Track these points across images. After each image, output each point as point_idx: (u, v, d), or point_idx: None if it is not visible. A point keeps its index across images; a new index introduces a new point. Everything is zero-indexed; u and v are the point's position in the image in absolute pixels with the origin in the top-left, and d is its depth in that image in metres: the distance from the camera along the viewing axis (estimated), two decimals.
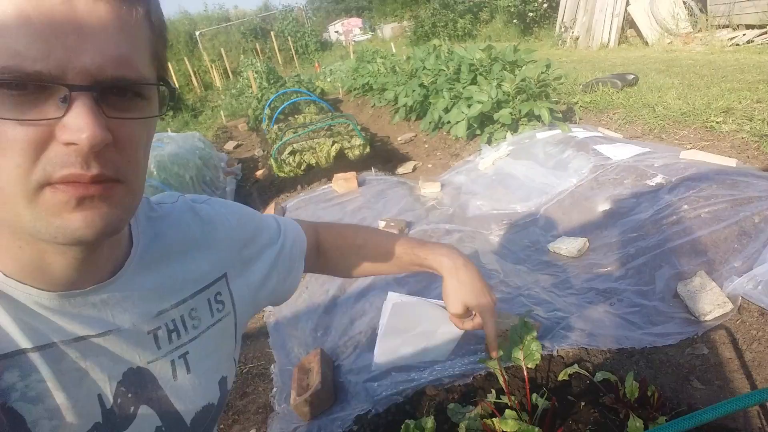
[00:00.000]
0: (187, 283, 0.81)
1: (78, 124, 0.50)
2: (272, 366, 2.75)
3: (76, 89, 0.50)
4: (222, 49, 22.70)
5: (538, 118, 4.63)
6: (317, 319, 2.90)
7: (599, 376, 1.78)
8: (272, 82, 11.87)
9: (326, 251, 1.14)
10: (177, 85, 18.36)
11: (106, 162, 0.53)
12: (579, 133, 4.31)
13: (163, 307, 0.76)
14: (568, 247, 3.08)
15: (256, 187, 5.77)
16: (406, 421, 1.57)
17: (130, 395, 0.69)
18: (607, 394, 1.81)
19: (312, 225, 1.14)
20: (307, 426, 2.20)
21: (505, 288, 2.72)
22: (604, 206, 3.30)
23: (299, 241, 1.06)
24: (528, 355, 1.69)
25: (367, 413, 2.07)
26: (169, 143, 6.27)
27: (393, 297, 1.14)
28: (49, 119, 0.50)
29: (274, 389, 2.57)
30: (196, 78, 20.68)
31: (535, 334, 1.69)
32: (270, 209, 4.52)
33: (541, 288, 2.77)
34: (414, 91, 6.53)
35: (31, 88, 0.49)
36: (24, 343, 0.59)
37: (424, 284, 2.84)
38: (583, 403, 1.82)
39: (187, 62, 21.02)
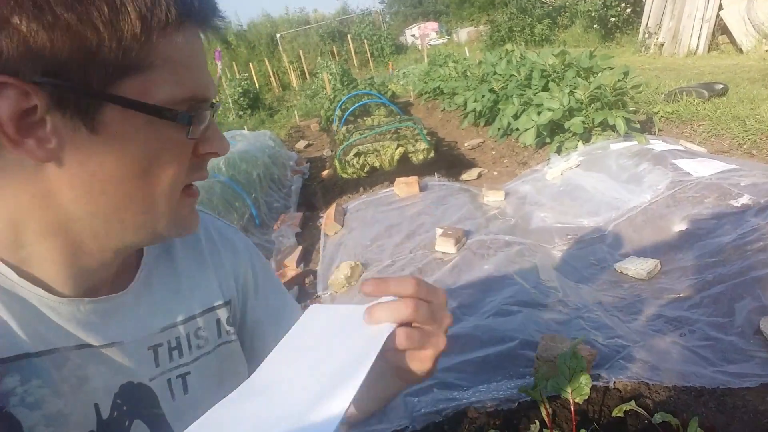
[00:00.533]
0: (195, 301, 0.78)
1: (218, 138, 0.64)
2: None
3: (215, 110, 0.64)
4: (300, 51, 23.28)
5: (613, 128, 4.36)
6: None
7: (658, 417, 1.61)
8: (345, 83, 12.02)
9: None
10: (258, 84, 19.04)
11: None
12: (657, 145, 4.02)
13: (169, 323, 0.74)
14: (636, 268, 2.86)
15: (320, 187, 5.82)
16: None
17: (125, 408, 0.68)
18: None
19: None
20: None
21: (563, 308, 2.55)
22: (680, 226, 3.04)
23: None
24: (576, 389, 1.56)
25: (404, 430, 1.99)
26: (240, 141, 6.47)
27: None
28: (196, 137, 0.61)
29: None
30: (275, 78, 21.34)
31: (584, 365, 1.55)
32: (331, 210, 4.54)
33: (604, 311, 2.58)
34: (483, 96, 6.37)
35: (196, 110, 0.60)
36: (28, 347, 0.58)
37: (477, 297, 2.73)
38: None
39: (267, 63, 21.74)
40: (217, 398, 0.80)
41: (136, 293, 0.70)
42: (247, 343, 0.89)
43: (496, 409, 1.94)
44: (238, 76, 16.59)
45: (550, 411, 1.58)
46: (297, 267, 3.86)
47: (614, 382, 1.96)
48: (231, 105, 14.90)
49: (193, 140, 0.60)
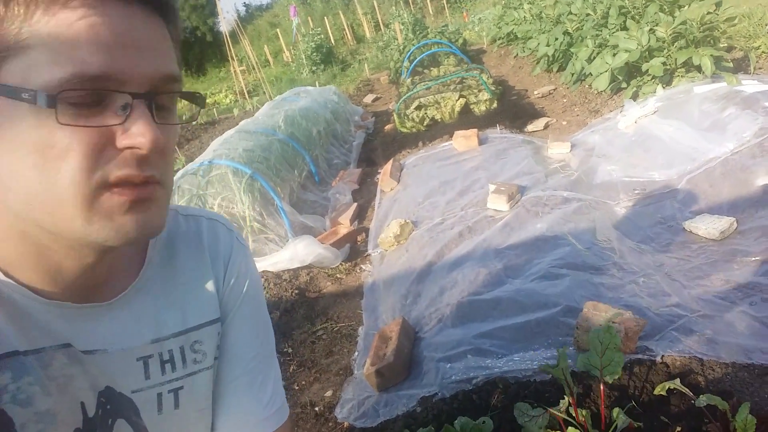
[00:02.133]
0: (192, 313, 0.76)
1: (139, 129, 0.54)
2: (360, 328, 2.73)
3: (137, 97, 0.54)
4: (375, 2, 22.77)
5: (699, 68, 3.90)
6: (409, 285, 2.80)
7: (703, 399, 1.43)
8: (417, 33, 11.65)
9: None
10: (333, 39, 18.94)
11: (154, 165, 0.58)
12: (750, 86, 3.54)
13: (160, 335, 0.72)
14: (708, 227, 2.57)
15: (381, 142, 5.73)
16: (448, 426, 1.41)
17: (109, 407, 0.68)
18: (713, 422, 1.47)
19: None
20: (376, 397, 2.14)
21: (616, 272, 2.35)
22: (765, 179, 2.68)
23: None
24: (607, 367, 1.43)
25: (433, 396, 1.94)
26: (304, 97, 6.48)
27: None
28: (111, 125, 0.54)
29: (357, 353, 2.55)
30: (349, 31, 21.13)
31: (619, 342, 1.40)
32: (388, 166, 4.46)
33: (664, 275, 2.35)
34: (557, 39, 5.91)
35: (92, 96, 0.53)
36: (17, 344, 0.59)
37: (525, 258, 2.58)
38: (678, 429, 1.50)
39: (342, 16, 21.52)
40: (205, 411, 0.80)
41: (127, 302, 0.70)
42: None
43: (528, 380, 1.83)
44: (311, 31, 16.55)
45: (575, 392, 1.46)
46: (351, 224, 3.85)
47: (662, 356, 1.79)
48: (304, 61, 14.96)
49: (93, 130, 0.53)
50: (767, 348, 1.82)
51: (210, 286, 0.78)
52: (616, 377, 1.42)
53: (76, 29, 0.51)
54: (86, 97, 0.52)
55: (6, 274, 0.60)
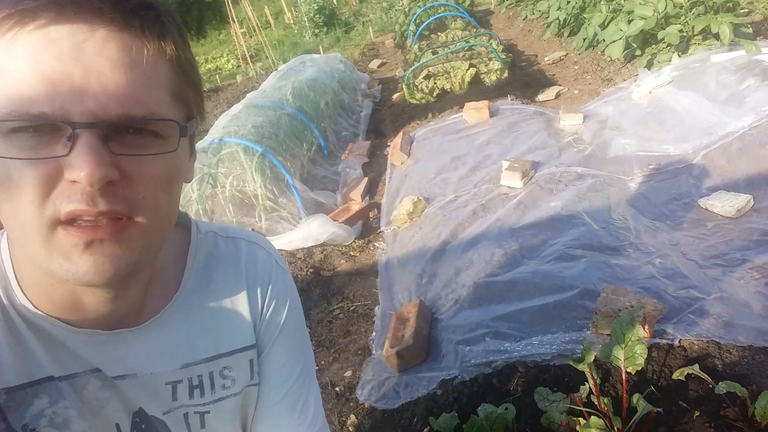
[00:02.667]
0: (225, 339, 0.76)
1: (78, 162, 0.50)
2: (376, 308, 2.77)
3: (78, 127, 0.51)
4: None
5: (717, 36, 3.80)
6: (424, 265, 2.82)
7: (722, 387, 1.47)
8: None
9: None
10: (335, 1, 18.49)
11: (116, 198, 0.53)
12: None
13: (191, 360, 0.73)
14: (724, 204, 2.56)
15: (389, 113, 5.67)
16: (473, 416, 1.46)
17: (143, 426, 0.70)
18: (732, 407, 1.51)
19: None
20: (396, 378, 2.20)
21: (632, 252, 2.37)
22: None
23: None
24: (629, 358, 1.46)
25: (453, 379, 1.99)
26: (311, 66, 6.37)
27: None
28: (56, 157, 0.51)
29: (374, 333, 2.60)
30: None
31: (641, 334, 1.43)
32: (398, 139, 4.43)
33: (680, 254, 2.36)
34: (569, 2, 5.76)
35: (43, 129, 0.51)
36: (53, 371, 0.61)
37: (540, 238, 2.59)
38: (697, 413, 1.54)
39: None
40: None
41: (159, 326, 0.70)
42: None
43: (548, 363, 1.87)
44: None
45: (597, 380, 1.49)
46: (362, 200, 3.86)
47: (679, 340, 1.82)
48: (307, 23, 14.64)
49: (40, 163, 0.51)
50: None
51: (245, 311, 0.77)
52: (639, 368, 1.45)
53: (21, 62, 0.49)
54: (30, 129, 0.50)
55: (35, 305, 0.61)
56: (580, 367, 1.43)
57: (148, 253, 0.60)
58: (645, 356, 1.42)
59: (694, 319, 1.91)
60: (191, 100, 0.62)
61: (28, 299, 0.61)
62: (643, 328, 1.84)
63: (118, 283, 0.59)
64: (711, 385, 1.59)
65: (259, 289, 0.79)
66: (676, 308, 1.99)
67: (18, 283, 0.62)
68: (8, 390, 0.59)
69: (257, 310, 0.79)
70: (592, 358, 1.40)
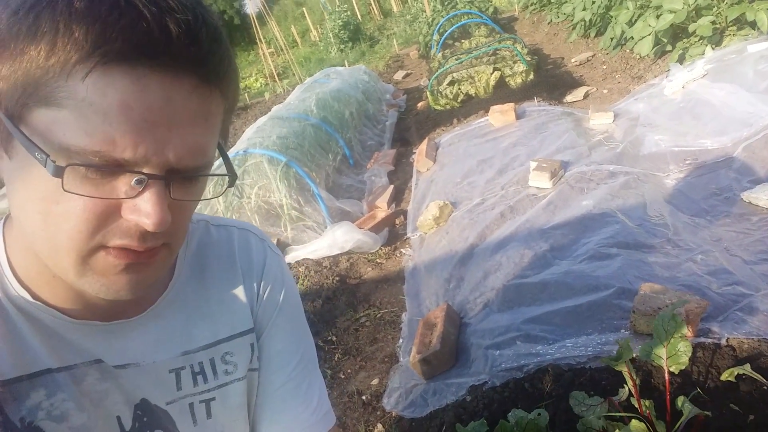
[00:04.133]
0: (223, 325, 0.76)
1: (147, 209, 0.52)
2: (403, 314, 2.70)
3: (153, 177, 0.52)
4: None
5: (753, 25, 3.65)
6: (451, 269, 2.74)
7: None
8: (446, 4, 11.35)
9: None
10: (359, 15, 18.70)
11: (160, 236, 0.56)
12: None
13: (189, 348, 0.72)
14: None
15: (414, 120, 5.63)
16: (502, 422, 1.37)
17: (146, 419, 0.69)
18: None
19: None
20: (424, 386, 2.12)
21: (671, 249, 2.24)
22: None
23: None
24: (672, 356, 1.35)
25: (483, 384, 1.90)
26: (335, 78, 6.41)
27: None
28: (122, 198, 0.52)
29: (401, 339, 2.53)
30: (375, 5, 20.79)
31: (684, 330, 1.32)
32: (423, 145, 4.38)
33: (723, 251, 2.22)
34: (593, 2, 5.65)
35: (112, 168, 0.51)
36: (50, 362, 0.61)
37: (571, 237, 2.49)
38: (751, 417, 1.42)
39: None
40: (242, 418, 0.79)
41: (156, 315, 0.70)
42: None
43: (583, 366, 1.77)
44: (338, 8, 16.35)
45: (637, 382, 1.39)
46: (388, 207, 3.81)
47: (727, 339, 1.69)
48: (332, 40, 14.82)
49: (102, 201, 0.52)
50: None
51: (241, 296, 0.77)
52: (683, 367, 1.34)
53: (110, 103, 0.48)
54: (103, 169, 0.51)
55: (34, 296, 0.61)
56: (618, 366, 1.33)
57: (169, 267, 0.65)
58: (689, 354, 1.32)
59: (743, 316, 1.78)
60: (227, 131, 0.64)
61: (26, 290, 0.60)
62: (687, 327, 1.72)
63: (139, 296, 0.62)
64: (765, 386, 1.47)
65: (254, 274, 0.79)
66: (721, 306, 1.86)
67: (14, 273, 0.61)
68: (4, 383, 0.58)
69: (253, 294, 0.78)
70: (630, 356, 1.30)
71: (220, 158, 0.65)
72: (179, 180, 0.55)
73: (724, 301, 1.88)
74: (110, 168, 0.51)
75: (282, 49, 12.67)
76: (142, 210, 0.52)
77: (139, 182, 0.52)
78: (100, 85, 0.48)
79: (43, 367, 0.60)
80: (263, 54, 12.80)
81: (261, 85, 14.13)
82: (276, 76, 12.44)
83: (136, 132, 0.49)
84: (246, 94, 12.57)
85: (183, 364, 0.72)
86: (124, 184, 0.52)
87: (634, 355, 1.55)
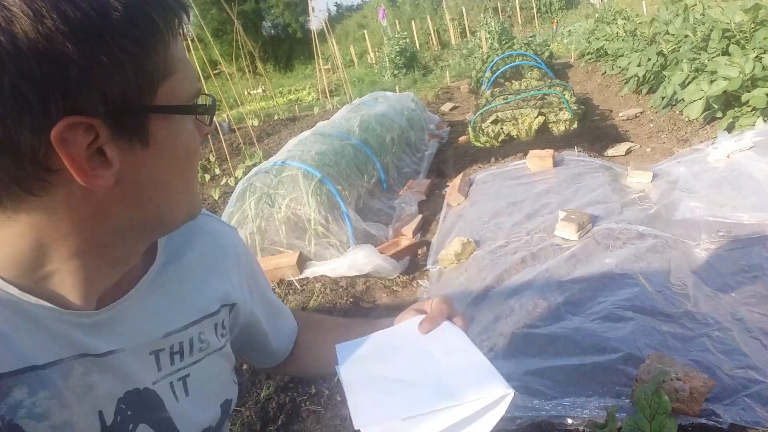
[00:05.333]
0: (197, 306, 0.80)
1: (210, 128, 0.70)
2: None
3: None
4: (463, 8, 22.61)
5: None
6: (464, 308, 2.73)
7: None
8: (503, 43, 11.43)
9: (314, 332, 1.11)
10: (418, 43, 18.99)
11: None
12: None
13: (171, 329, 0.75)
14: None
15: (453, 154, 5.67)
16: None
17: (129, 413, 0.69)
18: None
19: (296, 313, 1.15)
20: None
21: (688, 321, 2.19)
22: None
23: (291, 324, 1.08)
24: None
25: None
26: (382, 102, 6.51)
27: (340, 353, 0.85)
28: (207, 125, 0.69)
29: None
30: (434, 36, 21.10)
31: (668, 406, 1.30)
32: (457, 180, 4.41)
33: (742, 330, 2.16)
34: (649, 60, 5.61)
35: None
36: (35, 359, 0.60)
37: (588, 294, 2.45)
38: None
39: (429, 20, 21.55)
40: (214, 392, 0.84)
41: (137, 300, 0.71)
42: (246, 338, 0.96)
43: (577, 429, 1.74)
44: (397, 35, 16.66)
45: None
46: (413, 236, 3.82)
47: (729, 425, 1.64)
48: (387, 64, 15.08)
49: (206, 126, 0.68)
50: None
51: (216, 276, 0.84)
52: None
53: (183, 50, 0.62)
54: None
55: (25, 288, 0.60)
56: None
57: None
58: (675, 431, 1.29)
59: (750, 403, 1.72)
60: None
61: (12, 284, 0.60)
62: (689, 405, 1.67)
63: None
64: None
65: (225, 253, 0.88)
66: (730, 388, 1.80)
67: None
68: None
69: (228, 271, 0.87)
70: (615, 427, 1.28)
71: None
72: None
73: (733, 384, 1.82)
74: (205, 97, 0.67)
75: (338, 68, 12.97)
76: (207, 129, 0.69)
77: (211, 106, 0.68)
78: (179, 43, 0.61)
79: (28, 364, 0.59)
80: (319, 69, 13.11)
81: (312, 99, 14.47)
82: (328, 93, 12.70)
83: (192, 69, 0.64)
84: (297, 106, 12.89)
85: (164, 345, 0.74)
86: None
87: (619, 425, 1.52)
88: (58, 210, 0.56)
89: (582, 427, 1.73)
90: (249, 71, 15.56)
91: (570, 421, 1.77)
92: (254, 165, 7.12)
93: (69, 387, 0.62)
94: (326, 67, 14.68)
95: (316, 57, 12.69)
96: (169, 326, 0.74)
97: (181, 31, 0.60)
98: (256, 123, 10.42)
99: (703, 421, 1.66)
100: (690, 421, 1.66)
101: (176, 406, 0.75)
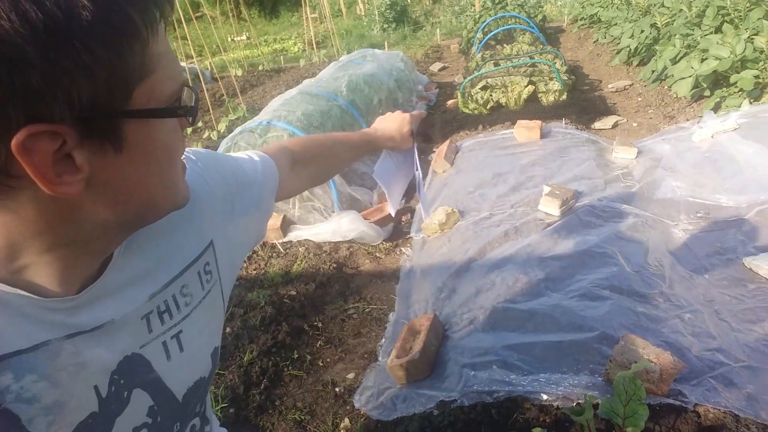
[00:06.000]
0: (176, 260, 0.78)
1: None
2: (391, 314, 2.75)
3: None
4: None
5: None
6: (446, 279, 2.78)
7: None
8: (496, 2, 11.18)
9: (305, 162, 1.15)
10: None
11: None
12: None
13: (153, 290, 0.74)
14: None
15: (440, 119, 5.62)
16: None
17: (123, 381, 0.70)
18: None
19: (281, 146, 1.13)
20: (396, 390, 2.17)
21: (662, 302, 2.26)
22: None
23: (272, 178, 1.02)
24: (630, 418, 1.39)
25: (452, 402, 1.95)
26: (371, 61, 6.37)
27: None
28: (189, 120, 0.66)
29: (384, 339, 2.58)
30: None
31: (643, 393, 1.36)
32: (444, 146, 4.39)
33: (713, 312, 2.24)
34: (642, 31, 5.56)
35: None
36: (19, 344, 0.59)
37: (568, 271, 2.51)
38: None
39: None
40: (205, 342, 0.85)
41: (116, 271, 0.70)
42: (237, 260, 0.96)
43: (550, 404, 1.81)
44: None
45: None
46: None
47: (695, 405, 1.73)
48: (377, 17, 14.68)
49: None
50: None
51: (186, 225, 0.80)
52: (640, 430, 1.38)
53: (167, 43, 0.58)
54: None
55: (2, 279, 0.59)
56: (579, 420, 1.38)
57: None
58: (646, 418, 1.35)
59: (715, 385, 1.81)
60: None
61: None
62: (658, 385, 1.75)
63: None
64: None
65: (193, 198, 0.80)
66: (697, 370, 1.89)
67: None
68: None
69: (200, 213, 0.82)
70: (591, 415, 1.34)
71: None
72: None
73: (701, 366, 1.91)
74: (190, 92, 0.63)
75: (325, 18, 12.58)
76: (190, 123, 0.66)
77: (194, 102, 0.64)
78: (161, 38, 0.56)
79: (11, 350, 0.58)
80: (306, 18, 12.71)
81: (298, 50, 14.07)
82: (315, 44, 12.37)
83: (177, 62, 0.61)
84: (282, 57, 12.56)
85: (151, 307, 0.73)
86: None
87: (599, 401, 1.59)
88: (26, 212, 0.55)
89: (557, 403, 1.80)
90: (233, 16, 15.02)
91: (545, 396, 1.84)
92: (238, 119, 6.98)
93: (59, 367, 0.62)
94: (313, 15, 14.26)
95: (303, 4, 12.31)
96: (151, 288, 0.74)
97: (163, 24, 0.56)
98: (239, 73, 10.13)
99: (671, 401, 1.74)
100: (659, 401, 1.74)
101: (166, 365, 0.76)
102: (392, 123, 1.31)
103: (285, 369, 2.41)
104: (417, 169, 1.40)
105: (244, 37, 16.39)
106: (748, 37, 3.93)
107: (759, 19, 4.18)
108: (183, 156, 0.84)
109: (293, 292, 2.92)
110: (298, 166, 1.11)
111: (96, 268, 0.66)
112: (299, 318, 2.74)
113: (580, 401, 1.79)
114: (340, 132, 1.15)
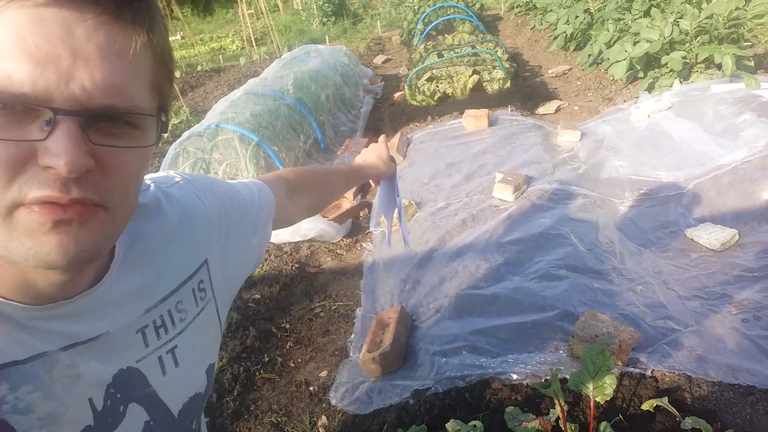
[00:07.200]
0: (171, 276, 0.78)
1: (58, 148, 0.49)
2: (358, 309, 2.78)
3: (61, 113, 0.49)
4: None
5: (719, 66, 3.83)
6: (409, 270, 2.83)
7: (688, 422, 1.50)
8: None
9: (301, 190, 1.16)
10: None
11: (89, 186, 0.53)
12: None
13: (149, 305, 0.74)
14: (710, 237, 2.59)
15: (389, 112, 5.67)
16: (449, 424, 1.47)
17: (119, 396, 0.70)
18: None
19: (276, 175, 1.13)
20: (370, 384, 2.21)
21: (615, 277, 2.39)
22: None
23: (268, 203, 1.01)
24: (598, 388, 1.47)
25: (427, 389, 2.00)
26: (315, 57, 6.34)
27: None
28: (31, 140, 0.50)
29: (353, 335, 2.61)
30: None
31: (611, 364, 1.45)
32: (395, 139, 4.43)
33: (661, 283, 2.39)
34: (577, 17, 5.77)
35: (17, 109, 0.49)
36: (15, 355, 0.59)
37: (526, 254, 2.61)
38: None
39: None
40: (200, 359, 0.86)
41: (112, 284, 0.69)
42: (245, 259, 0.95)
43: (520, 383, 1.89)
44: None
45: (565, 408, 1.51)
46: (354, 198, 3.86)
47: (652, 370, 1.84)
48: (315, 11, 14.55)
49: (12, 144, 0.49)
50: (753, 368, 1.88)
51: (182, 243, 0.79)
52: (608, 398, 1.47)
53: (6, 39, 0.47)
54: (7, 108, 0.49)
55: None
56: (547, 392, 1.45)
57: (111, 240, 0.60)
58: (614, 387, 1.44)
59: (669, 350, 1.94)
60: (166, 93, 0.62)
61: None
62: (618, 356, 1.86)
63: (76, 267, 0.58)
64: (678, 419, 1.62)
65: (189, 216, 0.81)
66: (652, 338, 2.01)
67: None
68: None
69: (193, 232, 0.81)
70: (558, 386, 1.42)
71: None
72: (100, 123, 0.53)
73: (654, 334, 2.04)
74: (16, 108, 0.48)
75: (262, 13, 12.36)
76: (53, 150, 0.49)
77: (48, 123, 0.49)
78: None
79: (8, 360, 0.58)
80: (242, 15, 12.46)
81: (237, 48, 13.78)
82: (254, 41, 12.15)
83: (33, 64, 0.47)
84: (221, 56, 12.27)
85: (147, 321, 0.73)
86: (35, 126, 0.49)
87: (566, 376, 1.68)
88: None
89: (526, 381, 1.89)
90: (165, 15, 14.56)
91: (515, 376, 1.92)
92: (181, 123, 6.80)
93: (54, 379, 0.61)
94: (250, 11, 13.96)
95: (239, 0, 12.05)
96: (147, 302, 0.74)
97: None
98: (177, 74, 9.84)
99: (630, 369, 1.86)
100: (619, 370, 1.85)
101: (161, 379, 0.76)
102: (371, 153, 1.37)
103: (257, 373, 2.40)
104: (398, 195, 1.45)
105: (178, 37, 15.89)
106: (674, 21, 4.15)
107: (682, 3, 4.42)
108: (177, 180, 0.85)
109: (258, 296, 2.91)
110: (295, 194, 1.12)
111: (59, 281, 0.62)
112: (266, 321, 2.73)
113: (547, 377, 1.88)
114: (331, 165, 1.19)
